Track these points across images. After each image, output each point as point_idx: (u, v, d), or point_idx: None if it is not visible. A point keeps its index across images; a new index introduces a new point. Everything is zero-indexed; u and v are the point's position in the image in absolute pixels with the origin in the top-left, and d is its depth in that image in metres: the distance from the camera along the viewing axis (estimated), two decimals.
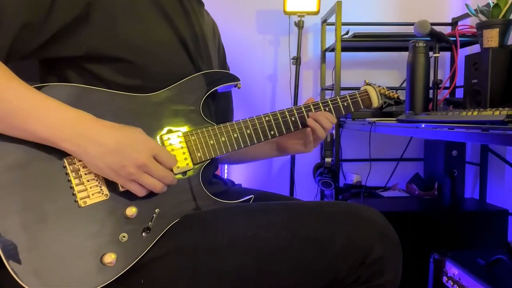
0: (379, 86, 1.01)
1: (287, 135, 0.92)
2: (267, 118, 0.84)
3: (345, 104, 0.93)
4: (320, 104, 0.90)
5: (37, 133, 0.60)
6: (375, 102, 0.98)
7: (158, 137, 0.73)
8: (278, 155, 1.02)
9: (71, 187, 0.64)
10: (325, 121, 0.88)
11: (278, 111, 0.86)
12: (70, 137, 0.61)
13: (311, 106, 0.89)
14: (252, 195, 0.83)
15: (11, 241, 0.58)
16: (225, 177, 1.05)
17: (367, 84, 1.00)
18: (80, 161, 0.64)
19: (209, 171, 0.82)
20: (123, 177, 0.64)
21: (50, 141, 0.61)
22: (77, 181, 0.64)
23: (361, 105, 0.97)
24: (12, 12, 0.61)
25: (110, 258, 0.63)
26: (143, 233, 0.68)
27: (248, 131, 0.82)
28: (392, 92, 1.07)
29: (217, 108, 0.89)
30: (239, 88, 0.86)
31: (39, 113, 0.60)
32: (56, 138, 0.61)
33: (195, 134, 0.76)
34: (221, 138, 0.79)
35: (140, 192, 0.66)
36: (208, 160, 0.77)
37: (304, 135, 0.91)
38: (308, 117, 0.88)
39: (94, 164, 0.63)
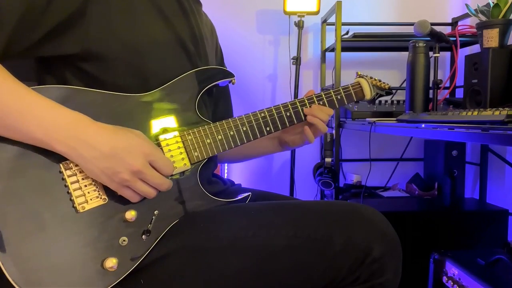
0: (371, 78, 1.01)
1: (286, 131, 0.92)
2: (262, 115, 0.84)
3: (339, 97, 0.94)
4: (314, 98, 0.90)
5: (30, 134, 0.59)
6: (368, 94, 0.98)
7: (154, 138, 0.72)
8: (281, 150, 1.03)
9: (69, 193, 0.63)
10: (322, 114, 0.88)
11: (273, 106, 0.86)
12: (64, 138, 0.59)
13: (305, 100, 0.89)
14: (250, 193, 0.82)
15: (10, 251, 0.57)
16: (225, 177, 1.05)
17: (360, 76, 1.00)
18: (76, 165, 0.63)
19: (207, 170, 0.82)
20: (117, 183, 0.63)
21: (43, 142, 0.60)
22: (74, 186, 0.63)
23: (354, 98, 0.97)
24: (9, 7, 0.60)
25: (111, 263, 0.62)
26: (143, 236, 0.67)
27: (244, 128, 0.82)
28: (384, 83, 1.07)
29: (217, 108, 0.89)
30: (233, 83, 0.85)
31: (33, 113, 0.58)
32: (49, 139, 0.59)
33: (191, 134, 0.76)
34: (217, 136, 0.78)
35: (134, 198, 0.65)
36: (205, 159, 0.77)
37: (303, 129, 0.91)
38: (303, 112, 0.88)
39: (88, 168, 0.62)
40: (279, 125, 0.86)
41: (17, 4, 0.61)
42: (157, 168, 0.66)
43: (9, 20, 0.60)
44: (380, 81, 1.05)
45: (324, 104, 0.91)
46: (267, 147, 1.02)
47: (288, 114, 0.87)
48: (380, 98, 1.19)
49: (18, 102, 0.58)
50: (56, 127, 0.59)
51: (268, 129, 0.84)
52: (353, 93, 0.96)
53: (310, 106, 0.89)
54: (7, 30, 0.61)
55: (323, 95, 0.92)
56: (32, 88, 0.62)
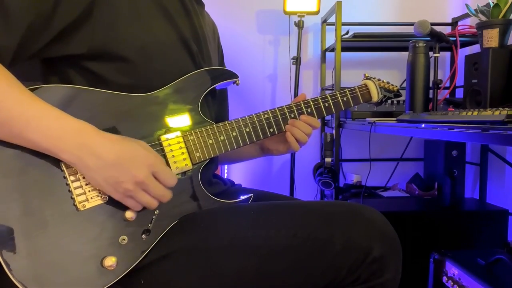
0: (378, 80, 1.00)
1: (270, 138, 0.89)
2: (266, 116, 0.83)
3: (345, 99, 0.92)
4: (320, 100, 0.89)
5: (36, 143, 0.59)
6: (375, 96, 0.96)
7: (156, 137, 0.72)
8: (263, 155, 1.01)
9: (70, 191, 0.63)
10: (306, 128, 0.86)
11: (277, 108, 0.85)
12: (70, 148, 0.60)
13: (311, 102, 0.88)
14: (252, 194, 0.82)
15: (11, 247, 0.58)
16: (225, 177, 1.04)
17: (367, 78, 0.99)
18: None
19: (208, 170, 0.82)
20: (120, 193, 0.63)
21: (49, 151, 0.60)
22: (75, 184, 0.63)
23: (361, 100, 0.95)
24: (19, 11, 0.60)
25: (110, 261, 0.63)
26: (143, 235, 0.68)
27: (247, 129, 0.81)
28: (392, 85, 1.05)
29: (214, 107, 0.89)
30: (237, 84, 0.85)
31: (39, 123, 0.58)
32: (55, 149, 0.60)
33: (193, 134, 0.76)
34: (220, 137, 0.78)
35: (136, 207, 0.65)
36: (207, 160, 0.77)
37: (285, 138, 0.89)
38: (284, 127, 0.86)
39: (92, 177, 0.62)
40: (283, 127, 0.85)
41: (25, 11, 0.61)
42: (160, 180, 0.66)
43: (18, 26, 0.61)
44: (388, 83, 1.03)
45: (329, 106, 0.89)
46: (249, 152, 1.01)
47: (292, 115, 0.86)
48: None
49: (24, 112, 0.58)
50: (61, 137, 0.59)
51: (271, 130, 0.84)
52: (359, 95, 0.94)
53: (315, 108, 0.88)
54: (17, 37, 0.61)
55: (329, 97, 0.90)
56: (37, 88, 0.63)
